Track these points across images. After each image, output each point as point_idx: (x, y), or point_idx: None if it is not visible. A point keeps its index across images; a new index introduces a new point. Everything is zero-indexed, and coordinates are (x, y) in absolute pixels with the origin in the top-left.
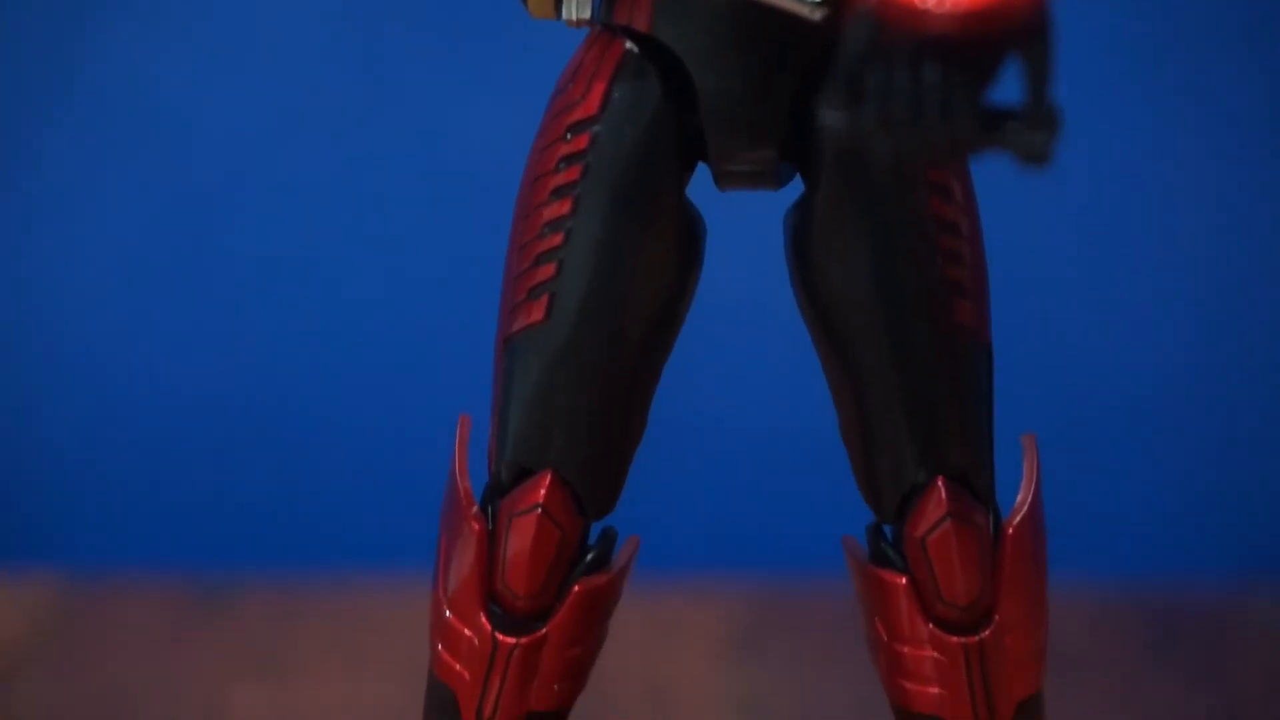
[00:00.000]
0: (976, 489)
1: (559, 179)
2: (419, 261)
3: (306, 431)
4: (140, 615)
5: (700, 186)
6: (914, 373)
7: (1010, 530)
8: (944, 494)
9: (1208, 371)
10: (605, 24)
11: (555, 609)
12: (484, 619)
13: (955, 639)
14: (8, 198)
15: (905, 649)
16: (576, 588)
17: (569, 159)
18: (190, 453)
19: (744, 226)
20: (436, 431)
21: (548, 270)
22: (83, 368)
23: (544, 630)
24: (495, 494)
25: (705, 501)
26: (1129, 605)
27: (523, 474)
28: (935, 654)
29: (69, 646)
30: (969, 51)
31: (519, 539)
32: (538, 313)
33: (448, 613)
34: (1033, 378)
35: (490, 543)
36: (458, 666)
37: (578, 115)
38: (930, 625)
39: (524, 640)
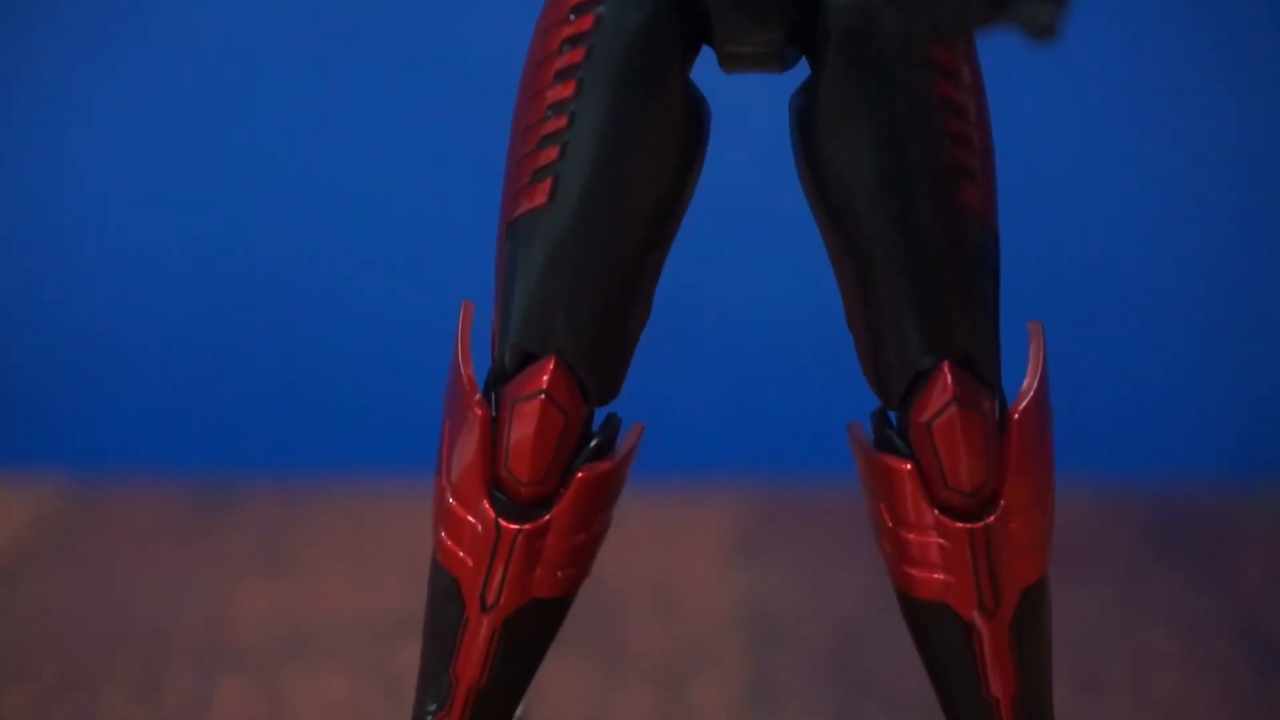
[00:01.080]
0: (982, 374)
1: (562, 61)
2: (420, 156)
3: (312, 334)
4: (145, 516)
5: (704, 71)
6: (920, 256)
7: (1016, 416)
8: (950, 379)
9: (1214, 275)
10: None
11: (559, 495)
12: (487, 506)
13: (960, 525)
14: (6, 94)
15: (910, 535)
16: (580, 474)
17: (573, 40)
18: (195, 356)
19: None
20: (441, 334)
21: (551, 153)
22: (87, 273)
23: (547, 517)
24: (498, 380)
25: (710, 404)
26: (1132, 504)
27: (526, 360)
28: (940, 540)
29: (74, 546)
30: None
31: (522, 425)
32: (541, 196)
33: (451, 500)
34: (1037, 272)
35: (493, 429)
36: (461, 553)
37: None
38: (935, 511)
39: (527, 527)
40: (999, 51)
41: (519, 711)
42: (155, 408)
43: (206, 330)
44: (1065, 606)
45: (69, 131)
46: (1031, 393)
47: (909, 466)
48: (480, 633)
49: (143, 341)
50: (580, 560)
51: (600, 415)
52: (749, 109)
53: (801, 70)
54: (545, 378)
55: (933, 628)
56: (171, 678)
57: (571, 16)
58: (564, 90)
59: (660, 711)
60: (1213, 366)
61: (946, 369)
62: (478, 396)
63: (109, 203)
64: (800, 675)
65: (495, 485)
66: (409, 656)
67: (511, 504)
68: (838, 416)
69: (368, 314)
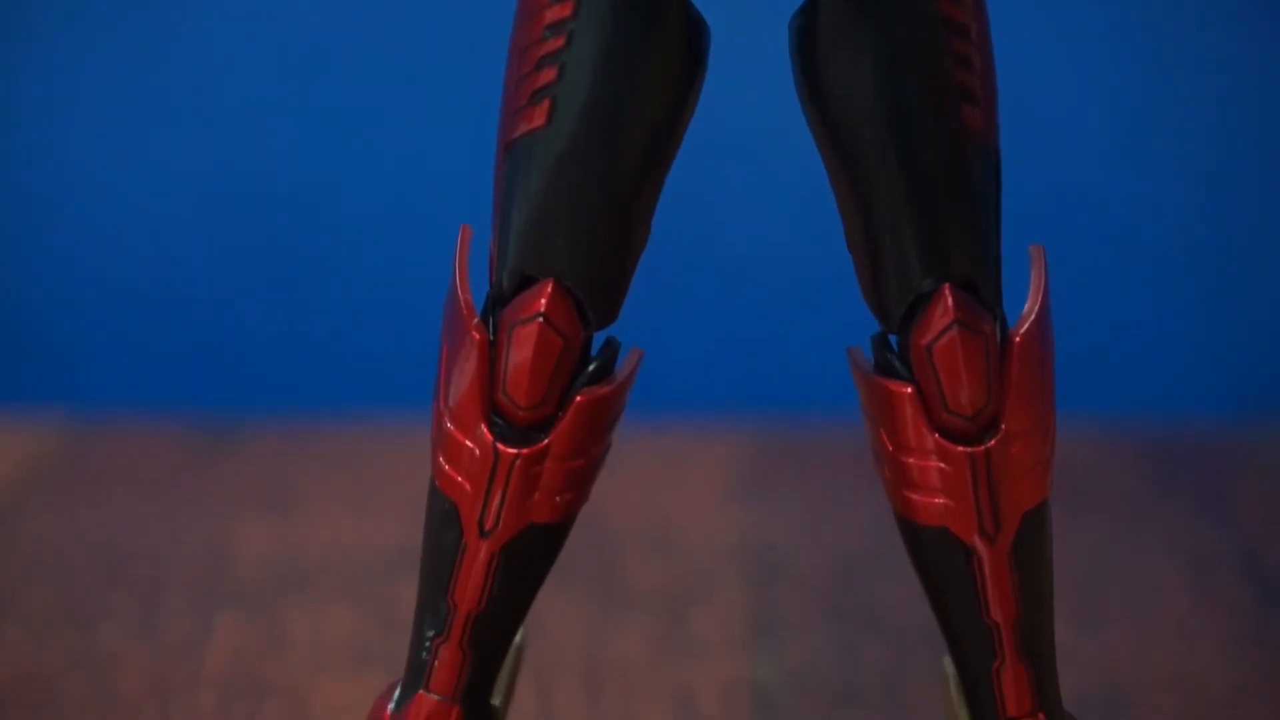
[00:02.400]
0: (983, 297)
1: None
2: (419, 86)
3: (313, 273)
4: (144, 455)
5: None
6: (920, 178)
7: (1017, 339)
8: (950, 302)
9: (1215, 212)
10: None
11: (557, 419)
12: (485, 430)
13: (961, 449)
14: (4, 24)
15: (911, 460)
16: (579, 398)
17: None
18: (196, 296)
19: (748, 36)
20: (443, 274)
21: (549, 74)
22: (87, 210)
23: (546, 441)
24: (496, 304)
25: (710, 343)
26: (1132, 441)
27: (524, 284)
28: (941, 464)
29: (71, 485)
30: None
31: (520, 349)
32: (539, 118)
33: (449, 424)
34: (1035, 209)
35: (491, 353)
36: (459, 478)
37: None
38: (936, 435)
39: (525, 451)
40: None
41: (517, 638)
42: (155, 348)
43: (207, 270)
44: (1065, 540)
45: (69, 68)
46: (1033, 316)
47: (909, 390)
48: (478, 558)
49: (143, 281)
50: (579, 485)
51: (599, 340)
52: (748, 31)
53: None
54: (543, 301)
55: (933, 553)
56: (170, 613)
57: None
58: (562, 10)
59: (661, 644)
60: (1212, 304)
61: (947, 291)
62: (475, 320)
63: (108, 141)
64: (800, 607)
65: (493, 410)
66: (409, 592)
67: (509, 428)
68: (838, 355)
69: (369, 253)
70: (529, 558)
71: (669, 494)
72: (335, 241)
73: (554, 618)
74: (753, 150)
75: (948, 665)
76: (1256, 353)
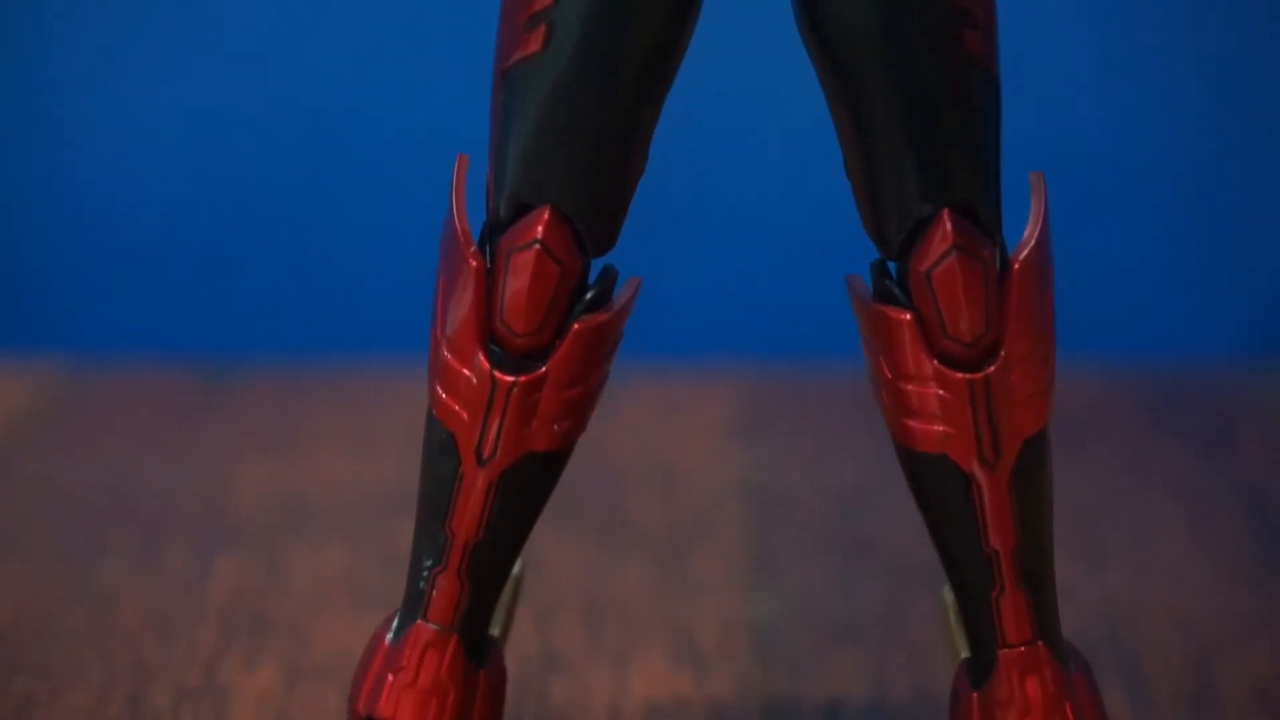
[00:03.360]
0: (983, 222)
1: None
2: (413, 22)
3: (314, 217)
4: (144, 398)
5: None
6: (920, 102)
7: (1017, 265)
8: (949, 227)
9: (1218, 153)
10: None
11: (555, 347)
12: (482, 358)
13: (960, 375)
14: None
15: (910, 387)
16: (576, 325)
17: None
18: (197, 240)
19: None
20: (439, 210)
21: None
22: (87, 155)
23: (543, 369)
24: (493, 232)
25: (709, 287)
26: (1132, 382)
27: (521, 211)
28: (940, 391)
29: (72, 427)
30: None
31: (517, 276)
32: (535, 43)
33: (445, 353)
34: (1035, 150)
35: (488, 281)
36: (456, 406)
37: None
38: (935, 362)
39: (523, 379)
40: None
41: (515, 569)
42: (156, 292)
43: (208, 214)
44: (1066, 479)
45: (67, 12)
46: (1032, 242)
47: (908, 316)
48: (476, 487)
49: (143, 227)
50: (577, 413)
51: (597, 268)
52: None
53: None
54: (540, 228)
55: (932, 481)
56: (170, 550)
57: None
58: None
59: (660, 581)
60: (1214, 245)
61: (946, 217)
62: (473, 248)
63: (109, 85)
64: (799, 545)
65: (490, 338)
66: (407, 530)
67: (507, 356)
68: (836, 297)
69: (369, 197)
70: (527, 487)
71: (668, 435)
72: (335, 185)
73: (553, 557)
74: (751, 89)
75: (947, 595)
76: (1258, 293)
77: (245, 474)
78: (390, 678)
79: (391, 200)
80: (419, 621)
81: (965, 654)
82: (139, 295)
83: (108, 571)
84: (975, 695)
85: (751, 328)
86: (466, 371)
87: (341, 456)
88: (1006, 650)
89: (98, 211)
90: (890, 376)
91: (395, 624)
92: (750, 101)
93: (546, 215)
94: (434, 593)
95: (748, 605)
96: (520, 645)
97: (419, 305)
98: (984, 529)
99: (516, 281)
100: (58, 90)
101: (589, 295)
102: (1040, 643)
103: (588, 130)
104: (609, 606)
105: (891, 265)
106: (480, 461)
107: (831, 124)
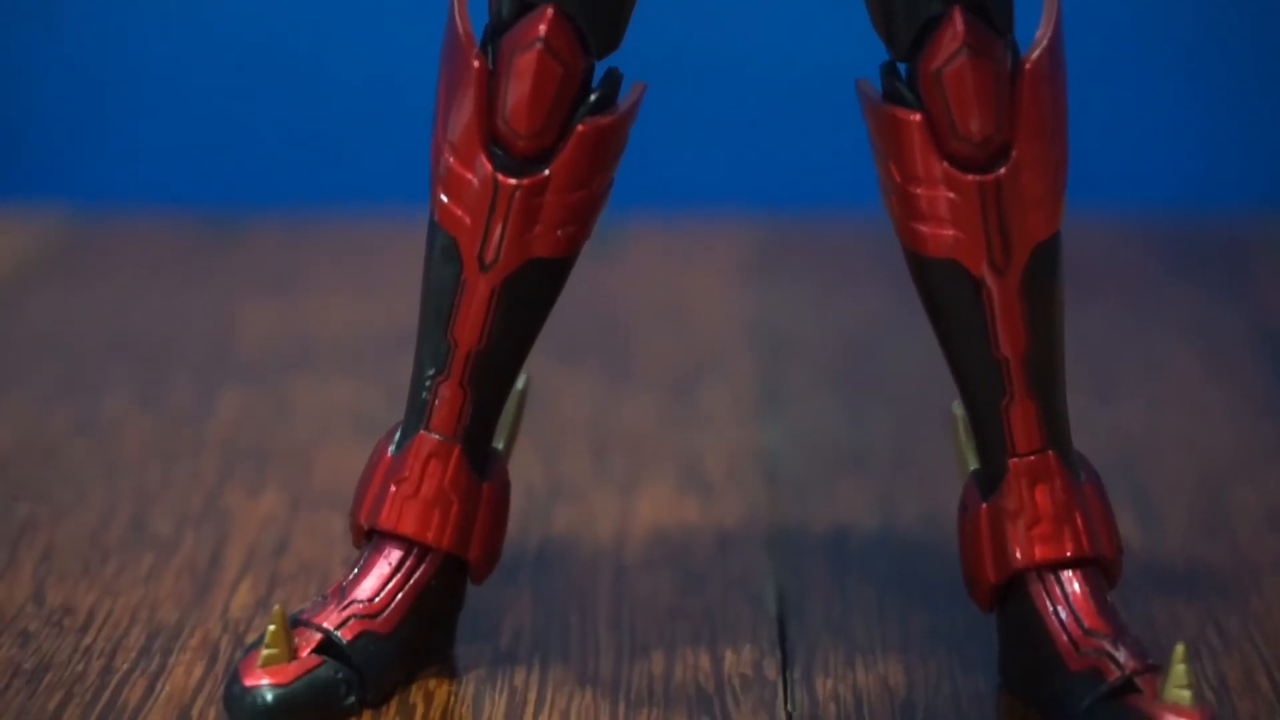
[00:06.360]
0: (994, 22)
1: None
2: None
3: (317, 68)
4: (149, 245)
5: None
6: None
7: (1028, 65)
8: (960, 25)
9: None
10: None
11: (558, 149)
12: (485, 160)
13: (970, 177)
14: None
15: (919, 190)
16: (580, 127)
17: None
18: (201, 91)
19: None
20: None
21: None
22: (92, 5)
23: (546, 171)
24: (496, 33)
25: (720, 138)
26: (1145, 225)
27: (523, 10)
28: (949, 193)
29: (77, 271)
30: None
31: (520, 76)
32: None
33: (448, 157)
34: None
35: (490, 82)
36: (459, 211)
37: None
38: (944, 164)
39: (526, 181)
40: None
41: (520, 384)
42: (161, 143)
43: (213, 64)
44: (1079, 320)
45: None
46: (1044, 43)
47: (917, 117)
48: (478, 292)
49: (146, 77)
50: (580, 218)
51: (600, 69)
52: None
53: None
54: (543, 26)
55: (942, 286)
56: (173, 384)
57: None
58: None
59: (668, 415)
60: (1226, 93)
61: (957, 14)
62: (475, 49)
63: None
64: (808, 380)
65: (494, 141)
66: (410, 365)
67: (510, 159)
68: (844, 146)
69: (373, 47)
70: (530, 293)
71: (678, 279)
72: (339, 34)
73: (561, 393)
74: None
75: (957, 409)
76: (1271, 140)
77: (249, 315)
78: (392, 488)
79: (399, 50)
80: (421, 432)
81: (974, 466)
82: (143, 146)
83: (110, 404)
84: (984, 506)
85: (761, 179)
86: (469, 175)
87: (345, 298)
88: (1016, 459)
89: (99, 62)
90: (899, 180)
91: (398, 435)
92: None
93: (549, 13)
94: (436, 402)
95: (755, 436)
96: (526, 475)
97: (424, 156)
98: (994, 335)
99: (520, 82)
100: None
101: (593, 98)
102: (1050, 451)
103: None
104: (617, 438)
105: (901, 67)
106: (483, 267)
107: None
